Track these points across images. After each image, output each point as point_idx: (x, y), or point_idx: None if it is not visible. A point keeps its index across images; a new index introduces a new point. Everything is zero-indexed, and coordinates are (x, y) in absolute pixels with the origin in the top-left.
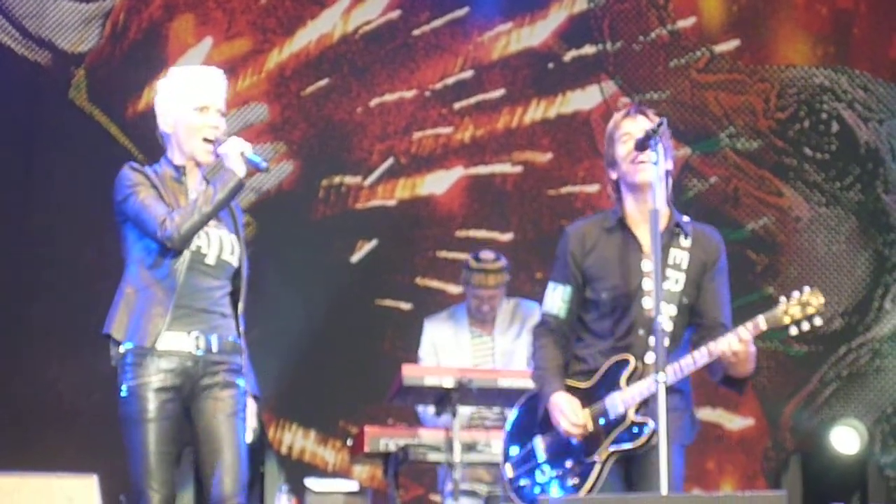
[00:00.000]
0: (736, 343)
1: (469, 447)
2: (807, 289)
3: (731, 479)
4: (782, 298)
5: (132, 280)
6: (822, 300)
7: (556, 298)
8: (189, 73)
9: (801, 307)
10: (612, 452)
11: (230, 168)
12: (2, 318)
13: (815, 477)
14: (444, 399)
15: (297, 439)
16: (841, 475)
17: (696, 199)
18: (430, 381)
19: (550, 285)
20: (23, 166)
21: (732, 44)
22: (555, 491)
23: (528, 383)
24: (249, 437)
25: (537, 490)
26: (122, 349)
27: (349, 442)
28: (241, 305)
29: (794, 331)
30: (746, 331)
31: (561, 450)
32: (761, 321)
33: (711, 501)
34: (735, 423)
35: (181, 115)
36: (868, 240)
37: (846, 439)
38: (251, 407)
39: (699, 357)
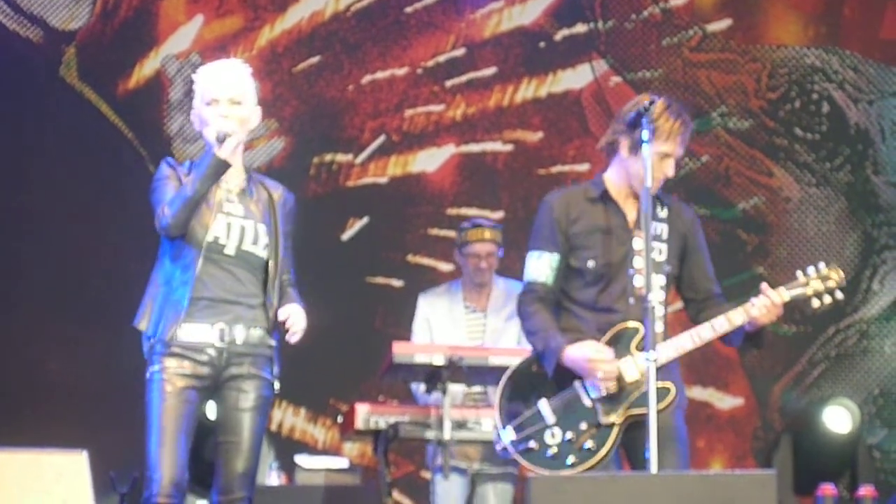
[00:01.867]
0: (776, 297)
1: (459, 425)
2: (823, 264)
3: (720, 458)
4: (799, 272)
5: (159, 273)
6: (842, 274)
7: (543, 266)
8: (204, 70)
9: (822, 280)
10: (630, 416)
11: (208, 150)
12: None
13: (806, 456)
14: (434, 376)
15: (287, 417)
16: (831, 455)
17: (688, 177)
18: (420, 358)
19: (534, 254)
20: (12, 143)
21: (725, 23)
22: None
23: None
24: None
25: (553, 451)
26: (149, 342)
27: (339, 419)
28: (272, 297)
29: (815, 303)
30: (777, 294)
31: (572, 411)
32: (784, 292)
33: (701, 480)
34: (725, 402)
35: (200, 112)
36: (857, 221)
37: (838, 419)
38: None
39: (719, 326)
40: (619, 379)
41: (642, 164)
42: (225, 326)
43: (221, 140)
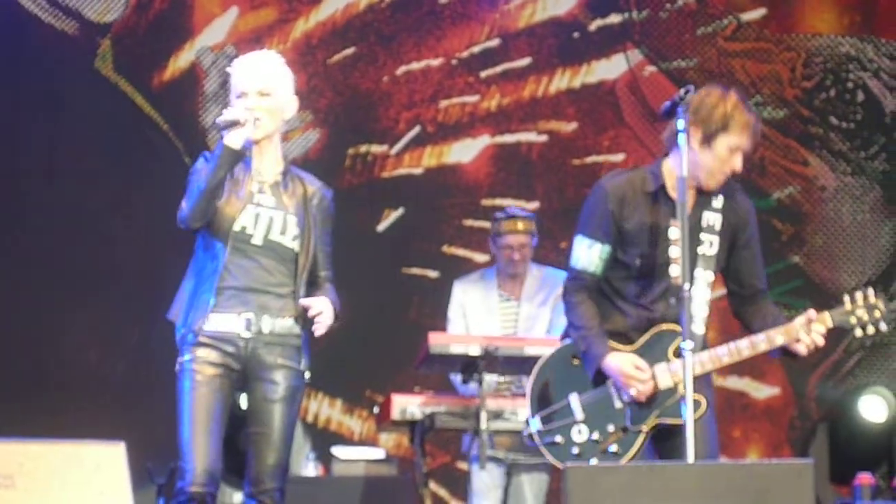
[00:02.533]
0: (820, 340)
1: (495, 415)
2: (870, 291)
3: (756, 448)
4: (846, 298)
5: (193, 265)
6: (889, 307)
7: (594, 256)
8: (235, 63)
9: (868, 311)
10: (658, 424)
11: (221, 140)
12: (29, 287)
13: (843, 446)
14: (470, 367)
15: (322, 408)
16: (868, 444)
17: None
18: (456, 349)
19: (585, 241)
20: (48, 135)
21: (759, 12)
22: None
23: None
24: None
25: (577, 450)
26: (180, 333)
27: (376, 409)
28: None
29: (858, 332)
30: (823, 327)
31: (601, 412)
32: (828, 318)
33: (737, 469)
34: (761, 391)
35: (232, 104)
36: (892, 209)
37: (874, 407)
38: None
39: (759, 343)
40: (653, 389)
41: (714, 158)
42: (251, 316)
43: (224, 128)
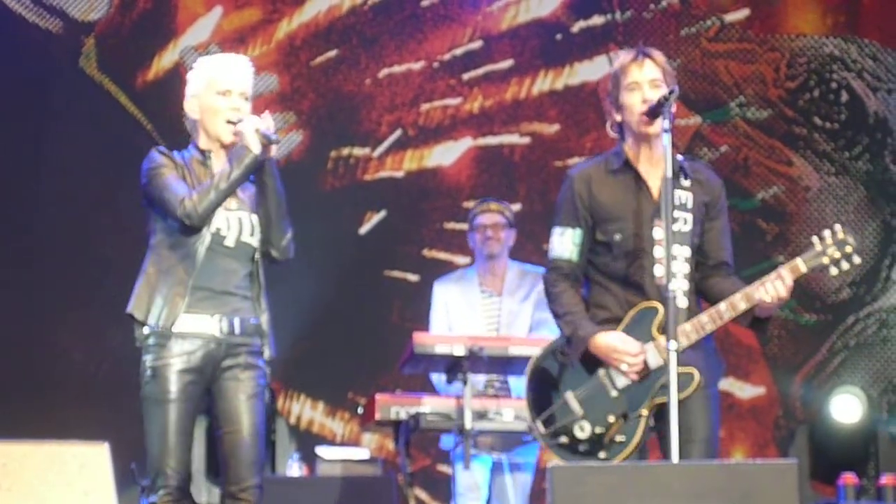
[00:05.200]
0: (782, 289)
1: (480, 415)
2: (838, 227)
3: (742, 448)
4: (815, 239)
5: (154, 260)
6: (855, 238)
7: (567, 242)
8: (214, 60)
9: (838, 246)
10: (657, 404)
11: (246, 145)
12: (14, 285)
13: (823, 446)
14: (454, 367)
15: (305, 410)
16: (847, 444)
17: None
18: (440, 349)
19: (557, 230)
20: (32, 133)
21: (743, 13)
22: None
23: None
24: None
25: (584, 447)
26: (145, 330)
27: (360, 410)
28: (261, 290)
29: (833, 270)
30: (790, 275)
31: (598, 403)
32: (800, 264)
33: (722, 469)
34: (746, 391)
35: (206, 100)
36: (876, 210)
37: (847, 408)
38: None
39: (725, 311)
40: (643, 366)
41: (628, 111)
42: (224, 317)
43: (273, 142)
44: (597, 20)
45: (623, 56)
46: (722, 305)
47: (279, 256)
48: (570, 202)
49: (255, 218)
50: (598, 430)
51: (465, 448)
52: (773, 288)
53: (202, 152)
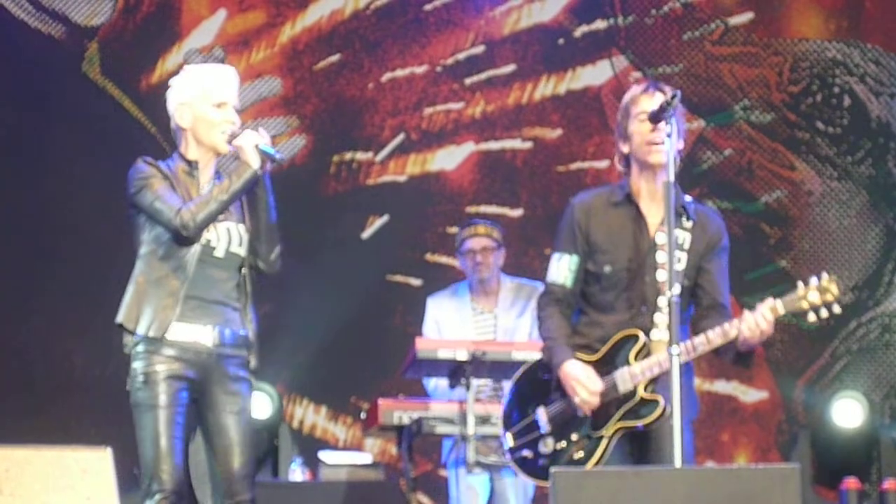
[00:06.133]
0: (763, 323)
1: (483, 420)
2: (825, 275)
3: (745, 452)
4: (800, 284)
5: (144, 270)
6: (840, 289)
7: (563, 268)
8: (206, 70)
9: (820, 294)
10: (620, 428)
11: (245, 160)
12: (16, 290)
13: (825, 452)
14: (457, 372)
15: (308, 414)
16: (849, 449)
17: (711, 171)
18: (443, 353)
19: (555, 255)
20: (36, 139)
21: (746, 16)
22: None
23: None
24: (267, 412)
25: (543, 462)
26: (134, 339)
27: (363, 415)
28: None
29: (812, 317)
30: (769, 312)
31: (565, 422)
32: (779, 305)
33: (724, 474)
34: (749, 395)
35: (200, 111)
36: (879, 214)
37: (848, 413)
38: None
39: (714, 337)
40: (612, 390)
41: (635, 141)
42: (215, 328)
43: (276, 161)
44: (599, 25)
45: (634, 88)
46: (697, 339)
47: (267, 270)
48: (569, 229)
49: (242, 228)
50: (560, 446)
51: (467, 452)
52: (753, 322)
53: (189, 162)
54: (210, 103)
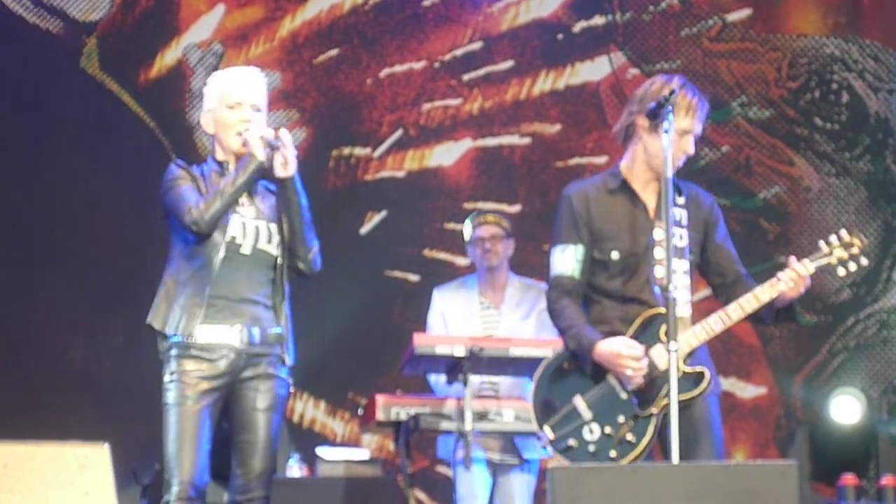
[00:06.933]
0: (805, 272)
1: (480, 416)
2: (844, 231)
3: (743, 448)
4: (822, 242)
5: (173, 271)
6: (865, 241)
7: (569, 259)
8: (223, 75)
9: (845, 248)
10: (667, 404)
11: (251, 152)
12: (14, 286)
13: (823, 448)
14: (455, 368)
15: (307, 409)
16: (847, 445)
17: (709, 167)
18: (441, 349)
19: (558, 248)
20: (35, 134)
21: (744, 12)
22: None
23: (540, 352)
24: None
25: (593, 448)
26: (167, 343)
27: (360, 410)
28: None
29: (841, 271)
30: (803, 266)
31: (609, 406)
32: (808, 263)
33: (722, 470)
34: (747, 391)
35: (219, 114)
36: (877, 210)
37: (846, 409)
38: None
39: (746, 302)
40: (652, 368)
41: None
42: (244, 327)
43: (274, 149)
44: (598, 20)
45: (681, 85)
46: (730, 308)
47: (306, 269)
48: (569, 220)
49: (273, 227)
50: (608, 430)
51: (465, 449)
52: (787, 276)
53: (219, 164)
54: (225, 105)
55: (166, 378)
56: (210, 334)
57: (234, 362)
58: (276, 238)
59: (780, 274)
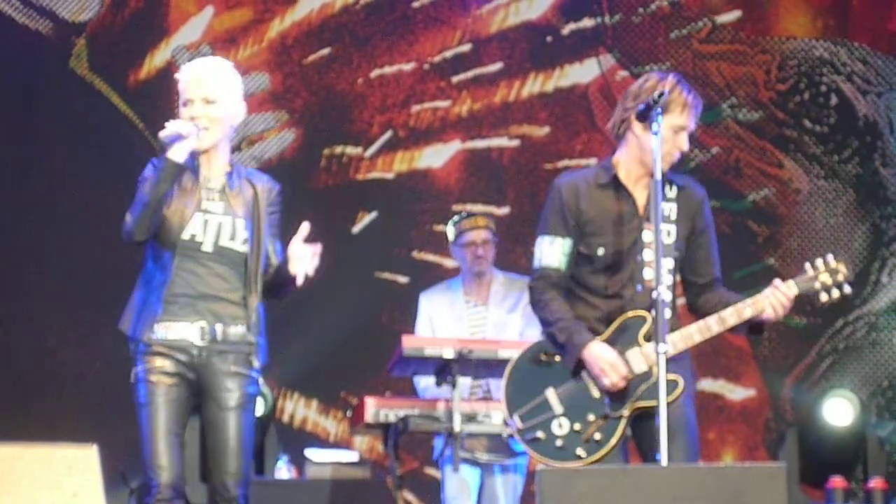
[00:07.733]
0: (787, 302)
1: (469, 418)
2: (830, 257)
3: (732, 450)
4: (808, 265)
5: (142, 275)
6: (849, 268)
7: (556, 251)
8: (180, 72)
9: (831, 274)
10: (638, 408)
11: (166, 155)
12: (2, 285)
13: (812, 450)
14: (444, 369)
15: (298, 408)
16: (837, 448)
17: (698, 169)
18: (430, 351)
19: (546, 239)
20: (24, 135)
21: (734, 14)
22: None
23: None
24: (259, 411)
25: (560, 443)
26: (131, 343)
27: (349, 413)
28: (252, 292)
29: (824, 297)
30: (788, 288)
31: (580, 403)
32: (792, 285)
33: (711, 472)
34: (736, 393)
35: (179, 112)
36: (866, 213)
37: (838, 411)
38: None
39: (728, 317)
40: (628, 372)
41: (666, 143)
42: (205, 324)
43: (171, 142)
44: (587, 22)
45: (676, 82)
46: (711, 319)
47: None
48: (558, 212)
49: (240, 223)
50: (577, 427)
51: (454, 451)
52: (778, 303)
53: (193, 158)
54: (181, 104)
55: (132, 379)
56: (169, 332)
57: (196, 359)
58: (241, 235)
59: (766, 292)
